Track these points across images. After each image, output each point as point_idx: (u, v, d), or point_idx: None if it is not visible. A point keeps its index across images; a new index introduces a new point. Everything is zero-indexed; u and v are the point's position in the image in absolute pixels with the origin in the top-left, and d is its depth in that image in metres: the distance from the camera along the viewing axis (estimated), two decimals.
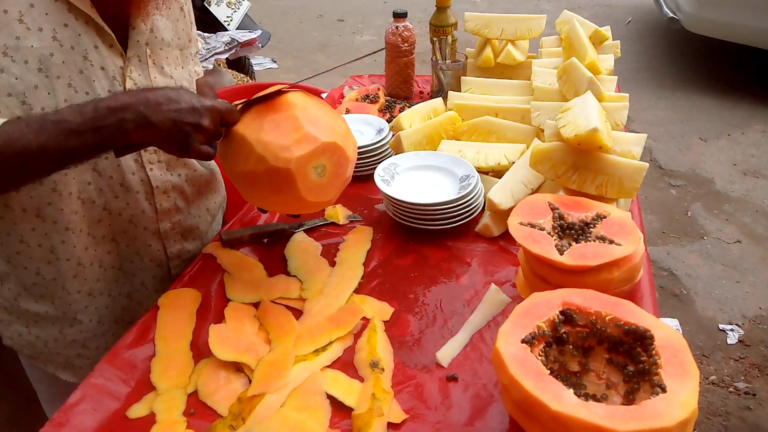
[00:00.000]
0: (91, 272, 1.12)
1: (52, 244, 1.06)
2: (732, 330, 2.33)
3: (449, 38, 1.74)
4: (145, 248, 1.17)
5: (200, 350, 0.98)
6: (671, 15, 3.99)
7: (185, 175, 1.20)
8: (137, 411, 0.88)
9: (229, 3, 3.20)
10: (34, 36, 0.92)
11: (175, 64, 1.14)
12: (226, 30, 3.08)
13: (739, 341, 2.28)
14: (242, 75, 3.14)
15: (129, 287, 1.20)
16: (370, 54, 1.14)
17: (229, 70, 3.09)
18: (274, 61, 4.50)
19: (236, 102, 1.01)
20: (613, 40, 1.67)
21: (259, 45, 3.09)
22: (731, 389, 2.10)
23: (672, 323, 2.34)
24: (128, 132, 0.87)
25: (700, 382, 0.72)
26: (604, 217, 1.00)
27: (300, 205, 1.02)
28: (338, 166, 0.99)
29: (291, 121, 0.95)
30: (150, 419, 0.86)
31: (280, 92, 0.99)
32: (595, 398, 0.78)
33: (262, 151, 0.94)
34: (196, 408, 0.88)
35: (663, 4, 4.14)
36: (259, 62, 4.34)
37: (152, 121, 0.87)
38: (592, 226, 0.99)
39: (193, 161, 1.22)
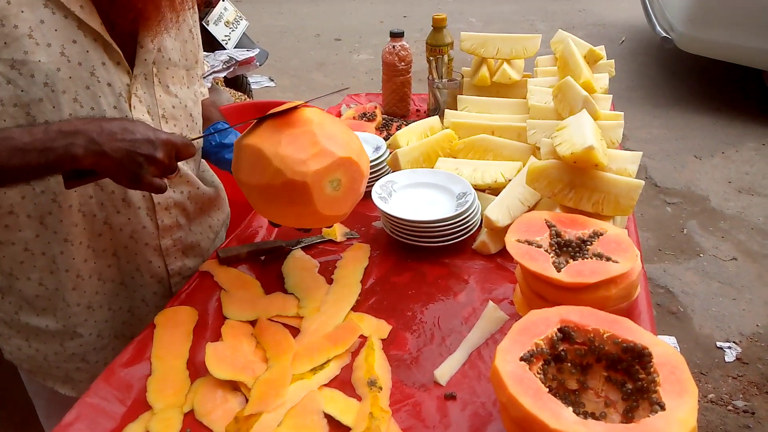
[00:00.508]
0: (90, 285, 1.12)
1: (53, 253, 1.06)
2: (729, 348, 2.32)
3: (446, 57, 1.76)
4: (145, 264, 1.17)
5: (197, 369, 0.97)
6: (664, 34, 4.04)
7: (188, 193, 1.20)
8: (133, 431, 0.87)
9: (227, 22, 3.23)
10: (42, 51, 0.94)
11: (181, 83, 1.15)
12: (224, 49, 3.11)
13: (737, 359, 2.28)
14: (240, 93, 3.16)
15: (129, 302, 1.20)
16: (332, 93, 1.17)
17: (227, 89, 3.11)
18: (272, 80, 4.53)
19: (252, 119, 1.04)
20: (607, 59, 1.69)
21: (257, 63, 3.11)
22: (730, 407, 2.09)
23: (669, 341, 2.34)
24: (77, 157, 0.86)
25: (698, 401, 0.72)
26: (601, 235, 1.00)
27: (314, 219, 1.03)
28: (353, 180, 1.02)
29: (308, 136, 0.97)
30: None
31: (295, 108, 1.01)
32: (594, 416, 0.77)
33: (280, 164, 0.95)
34: (193, 427, 0.87)
35: (656, 23, 4.20)
36: (257, 81, 4.37)
37: (105, 150, 0.87)
38: (589, 243, 0.99)
39: (196, 179, 1.23)
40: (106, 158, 0.87)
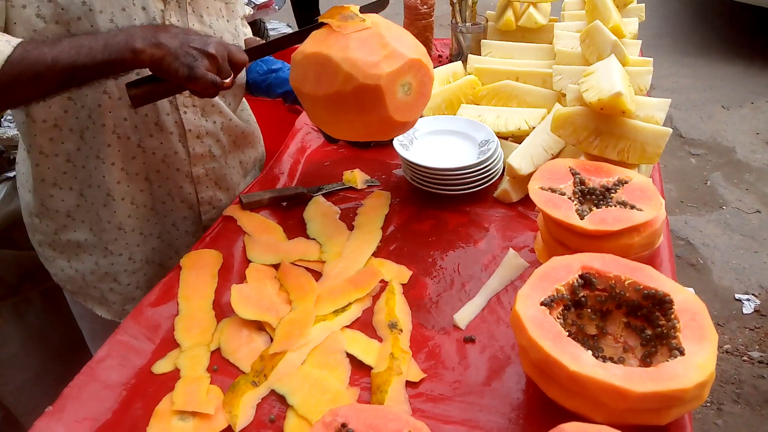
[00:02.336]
0: (122, 206, 1.17)
1: (90, 168, 1.13)
2: (748, 300, 2.32)
3: (469, 0, 1.71)
4: (176, 189, 1.21)
5: (222, 309, 1.00)
6: None
7: (220, 123, 1.23)
8: (162, 367, 0.90)
9: None
10: None
11: (217, 15, 1.16)
12: None
13: (755, 311, 2.28)
14: (258, 39, 3.11)
15: (160, 227, 1.24)
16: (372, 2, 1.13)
17: None
18: (290, 26, 4.44)
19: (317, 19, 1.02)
20: (637, 3, 1.63)
21: (276, 7, 3.05)
22: (745, 358, 2.11)
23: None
24: (136, 50, 0.91)
25: None
26: (626, 183, 0.99)
27: (384, 127, 1.02)
28: (422, 84, 1.01)
29: (377, 39, 0.96)
30: (174, 375, 0.89)
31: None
32: (612, 361, 0.78)
33: (350, 68, 0.94)
34: (220, 365, 0.90)
35: None
36: (274, 27, 4.29)
37: (161, 41, 0.92)
38: (613, 191, 0.98)
39: (229, 111, 1.24)
40: (162, 48, 0.92)
